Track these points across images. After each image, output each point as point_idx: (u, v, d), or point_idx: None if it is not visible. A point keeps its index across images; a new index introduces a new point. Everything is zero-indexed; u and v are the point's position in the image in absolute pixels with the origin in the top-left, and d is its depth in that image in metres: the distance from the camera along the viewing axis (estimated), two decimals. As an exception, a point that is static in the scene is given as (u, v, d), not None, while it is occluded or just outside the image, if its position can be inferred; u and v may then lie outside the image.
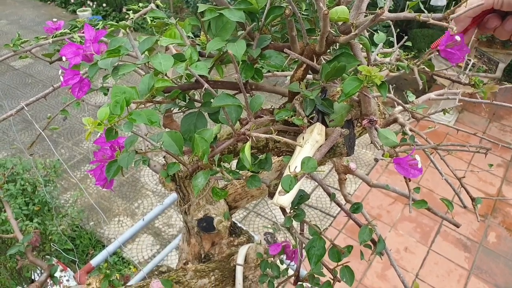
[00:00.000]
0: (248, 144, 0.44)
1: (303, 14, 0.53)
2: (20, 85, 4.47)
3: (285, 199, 0.47)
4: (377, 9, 0.45)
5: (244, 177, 0.50)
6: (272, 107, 0.64)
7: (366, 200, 3.04)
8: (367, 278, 2.49)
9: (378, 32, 0.80)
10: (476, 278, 2.52)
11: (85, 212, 2.69)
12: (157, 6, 0.95)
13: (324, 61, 0.60)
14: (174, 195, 1.35)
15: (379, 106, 0.80)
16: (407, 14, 0.44)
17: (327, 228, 2.87)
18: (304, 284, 0.57)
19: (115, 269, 2.29)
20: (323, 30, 0.44)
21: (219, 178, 0.48)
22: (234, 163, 0.55)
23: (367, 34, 0.87)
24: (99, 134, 0.53)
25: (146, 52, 0.65)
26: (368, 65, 0.55)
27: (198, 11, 0.56)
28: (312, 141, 0.53)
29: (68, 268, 2.00)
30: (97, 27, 0.97)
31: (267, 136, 0.44)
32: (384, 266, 2.53)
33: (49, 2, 6.77)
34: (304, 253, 0.51)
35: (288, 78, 0.76)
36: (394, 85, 1.04)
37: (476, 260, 2.63)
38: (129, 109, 0.50)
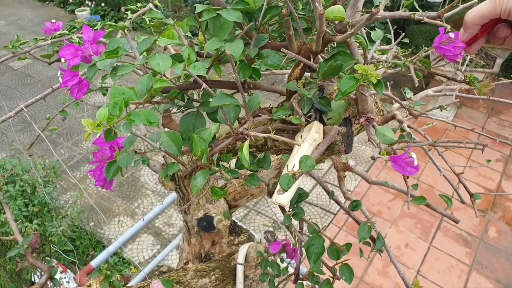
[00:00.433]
0: (247, 143, 0.44)
1: (299, 14, 0.54)
2: (19, 85, 4.47)
3: (284, 198, 0.48)
4: (373, 7, 0.46)
5: (243, 176, 0.51)
6: (271, 106, 0.64)
7: (366, 197, 3.05)
8: (368, 275, 2.50)
9: (375, 30, 0.81)
10: (477, 273, 2.53)
11: (85, 213, 2.70)
12: (155, 6, 0.96)
13: (321, 60, 0.60)
14: (174, 195, 1.36)
15: (377, 103, 0.80)
16: (402, 13, 0.45)
17: (326, 226, 2.88)
18: (304, 282, 0.58)
19: (116, 270, 2.29)
20: (319, 30, 0.44)
21: (218, 178, 0.48)
22: (234, 162, 0.56)
23: (364, 32, 0.88)
24: (98, 134, 0.53)
25: (145, 53, 0.65)
26: (364, 64, 0.55)
27: (196, 11, 0.56)
28: (310, 139, 0.53)
29: (68, 270, 2.00)
30: (95, 28, 0.97)
31: (265, 135, 0.45)
32: (385, 263, 2.54)
33: (47, 2, 6.76)
34: (304, 252, 0.52)
35: (287, 76, 0.77)
36: (391, 82, 1.04)
37: (476, 255, 2.63)
38: (128, 110, 0.50)
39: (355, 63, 0.53)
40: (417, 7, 0.50)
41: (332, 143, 0.59)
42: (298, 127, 0.55)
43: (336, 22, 0.50)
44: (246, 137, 0.46)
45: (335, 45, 0.58)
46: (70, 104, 0.99)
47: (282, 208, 0.54)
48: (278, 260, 0.80)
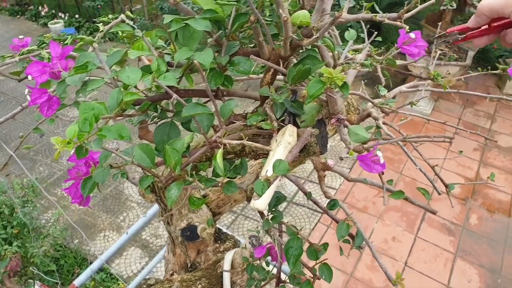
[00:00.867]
0: (220, 151, 0.44)
1: (267, 20, 0.54)
2: (-8, 104, 4.34)
3: (261, 203, 0.48)
4: (340, 10, 0.47)
5: (220, 184, 0.51)
6: (245, 112, 0.65)
7: (352, 194, 3.09)
8: (358, 271, 2.53)
9: (349, 30, 0.82)
10: (461, 260, 2.59)
11: (68, 230, 2.63)
12: (128, 17, 0.95)
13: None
14: (157, 206, 1.34)
15: (350, 103, 0.81)
16: (364, 15, 0.46)
17: (311, 228, 2.89)
18: (286, 285, 0.58)
19: (103, 286, 2.24)
20: (285, 36, 0.45)
21: (194, 188, 0.48)
22: (212, 170, 0.56)
23: (337, 32, 0.89)
24: (73, 151, 0.52)
25: (114, 66, 0.64)
26: (334, 65, 0.56)
27: (164, 22, 0.56)
28: (284, 143, 0.54)
29: (52, 291, 1.95)
30: (65, 42, 0.95)
31: (239, 142, 0.45)
32: (374, 258, 2.57)
33: (18, 16, 6.58)
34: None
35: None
36: (365, 80, 1.06)
37: (460, 243, 2.70)
38: (99, 125, 0.50)
39: (326, 65, 0.54)
40: (377, 9, 0.51)
41: (307, 144, 0.60)
42: (272, 131, 0.55)
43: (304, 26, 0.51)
44: (220, 145, 0.46)
45: (305, 49, 0.59)
46: (43, 121, 0.97)
47: (261, 213, 0.54)
48: (264, 264, 0.80)
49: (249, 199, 0.55)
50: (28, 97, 0.58)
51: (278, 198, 0.54)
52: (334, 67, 0.54)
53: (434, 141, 0.59)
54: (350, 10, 0.57)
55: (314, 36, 0.45)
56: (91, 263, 2.44)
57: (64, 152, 0.50)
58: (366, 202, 3.01)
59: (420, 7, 0.45)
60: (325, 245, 0.49)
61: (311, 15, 0.48)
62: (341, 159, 0.41)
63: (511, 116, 3.90)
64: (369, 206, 2.98)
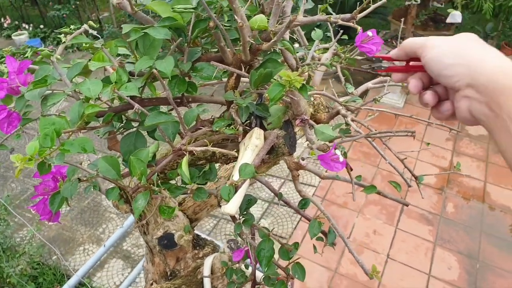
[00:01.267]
0: (185, 159, 0.44)
1: (226, 26, 0.55)
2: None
3: (231, 207, 0.48)
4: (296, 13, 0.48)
5: (189, 191, 0.51)
6: (212, 117, 0.65)
7: (331, 190, 3.13)
8: (342, 266, 2.57)
9: (315, 30, 0.84)
10: (440, 248, 2.67)
11: (45, 247, 2.55)
12: (91, 26, 0.93)
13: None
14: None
15: (320, 102, 0.83)
16: (320, 17, 0.47)
17: (293, 227, 2.90)
18: (262, 286, 0.59)
19: (86, 301, 2.18)
20: (243, 41, 0.46)
21: (164, 197, 0.48)
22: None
23: (303, 32, 0.91)
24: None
25: (78, 78, 0.63)
26: (297, 67, 0.57)
27: (122, 32, 0.55)
28: (252, 146, 0.54)
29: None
30: (25, 55, 0.93)
31: (203, 148, 0.45)
32: (357, 251, 2.61)
33: (-22, 29, 6.32)
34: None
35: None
36: (333, 79, 1.08)
37: (438, 231, 2.78)
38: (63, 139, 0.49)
39: (290, 67, 0.55)
40: (331, 11, 0.53)
41: (276, 146, 0.60)
42: (239, 136, 0.55)
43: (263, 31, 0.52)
44: (185, 152, 0.46)
45: (268, 53, 0.60)
46: (8, 137, 0.93)
47: (233, 217, 0.54)
48: (243, 267, 0.80)
49: (220, 204, 0.55)
50: (-15, 115, 0.56)
51: (249, 201, 0.54)
52: (296, 69, 0.55)
53: (397, 136, 0.61)
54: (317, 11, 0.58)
55: (272, 40, 0.46)
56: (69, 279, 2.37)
57: (35, 167, 0.48)
58: (346, 197, 3.06)
59: (372, 6, 0.47)
60: (296, 245, 0.50)
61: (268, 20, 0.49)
62: (303, 159, 0.42)
63: (479, 106, 4.04)
64: (349, 202, 3.02)
